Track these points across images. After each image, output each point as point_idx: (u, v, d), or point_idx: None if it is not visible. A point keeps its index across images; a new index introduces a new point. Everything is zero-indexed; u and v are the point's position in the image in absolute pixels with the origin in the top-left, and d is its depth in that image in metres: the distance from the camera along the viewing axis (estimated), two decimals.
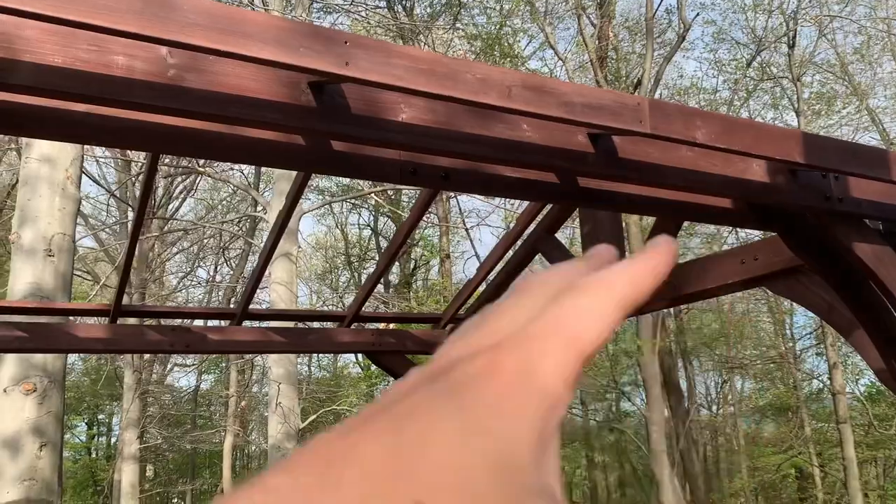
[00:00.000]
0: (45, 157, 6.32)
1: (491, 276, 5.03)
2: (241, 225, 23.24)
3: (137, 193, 22.20)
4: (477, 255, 25.54)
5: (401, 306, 20.43)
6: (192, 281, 28.37)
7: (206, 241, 26.33)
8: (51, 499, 5.80)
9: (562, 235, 4.92)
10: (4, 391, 5.81)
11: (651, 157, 2.09)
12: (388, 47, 1.54)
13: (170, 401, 28.95)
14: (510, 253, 5.03)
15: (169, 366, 29.72)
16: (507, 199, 20.16)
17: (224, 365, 29.59)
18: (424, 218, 24.28)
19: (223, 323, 4.69)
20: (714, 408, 31.13)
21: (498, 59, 17.29)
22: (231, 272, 26.42)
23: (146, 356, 26.10)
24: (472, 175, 2.14)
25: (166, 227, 22.51)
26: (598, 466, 30.33)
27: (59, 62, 1.36)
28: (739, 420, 29.35)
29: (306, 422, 11.14)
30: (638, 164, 2.08)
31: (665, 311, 18.27)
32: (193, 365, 31.44)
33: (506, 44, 18.24)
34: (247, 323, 4.73)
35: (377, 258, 29.83)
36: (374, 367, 24.47)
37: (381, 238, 29.78)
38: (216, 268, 29.10)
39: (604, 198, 2.42)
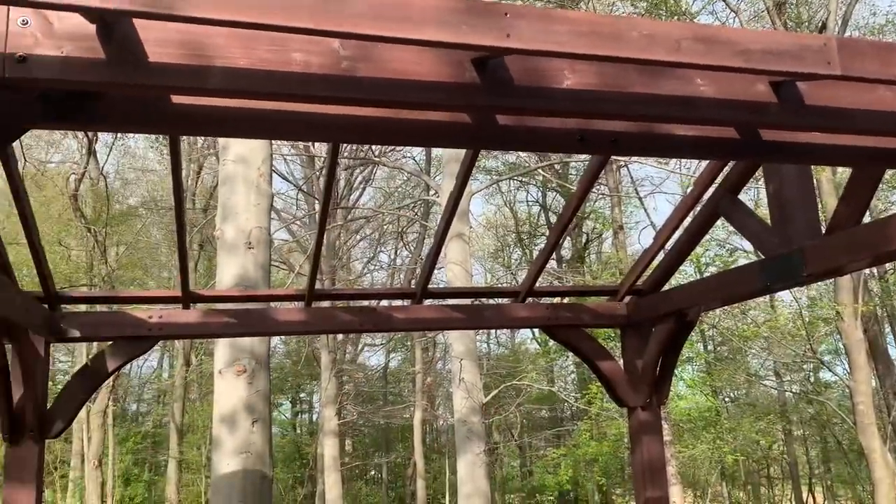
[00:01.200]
0: (240, 157, 6.89)
1: (669, 244, 4.84)
2: (416, 209, 24.03)
3: (322, 186, 23.61)
4: (652, 224, 24.66)
5: (575, 280, 20.22)
6: (375, 265, 29.89)
7: (385, 227, 27.58)
8: (265, 470, 6.36)
9: (745, 197, 4.63)
10: (220, 373, 6.45)
11: (843, 102, 1.91)
12: (549, 14, 1.53)
13: (362, 379, 30.70)
14: (689, 218, 4.82)
15: (360, 346, 31.53)
16: (684, 164, 19.24)
17: (409, 344, 30.87)
18: (594, 189, 23.83)
19: (405, 302, 4.89)
20: None
21: (665, 19, 16.47)
22: (410, 255, 27.50)
23: (339, 337, 27.77)
24: (643, 137, 2.07)
25: (349, 216, 23.76)
26: (797, 440, 28.43)
27: (244, 64, 1.48)
28: None
29: (489, 396, 11.39)
30: (828, 111, 1.91)
31: (867, 271, 16.68)
32: (382, 344, 33.11)
33: (672, 1, 17.33)
34: (427, 301, 4.90)
35: (547, 234, 29.69)
36: (551, 343, 24.46)
37: (550, 213, 29.61)
38: (396, 251, 30.41)
39: (790, 150, 2.24)
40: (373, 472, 34.12)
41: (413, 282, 25.75)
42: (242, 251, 6.67)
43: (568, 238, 26.63)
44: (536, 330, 28.90)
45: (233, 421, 6.29)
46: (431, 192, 22.38)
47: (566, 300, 8.01)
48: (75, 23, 1.39)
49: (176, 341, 27.92)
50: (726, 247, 19.82)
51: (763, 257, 4.02)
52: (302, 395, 37.71)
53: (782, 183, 3.85)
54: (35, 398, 4.03)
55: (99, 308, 8.10)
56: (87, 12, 1.32)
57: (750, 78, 1.81)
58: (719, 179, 4.37)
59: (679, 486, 17.37)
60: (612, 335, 14.55)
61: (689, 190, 4.65)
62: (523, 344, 34.00)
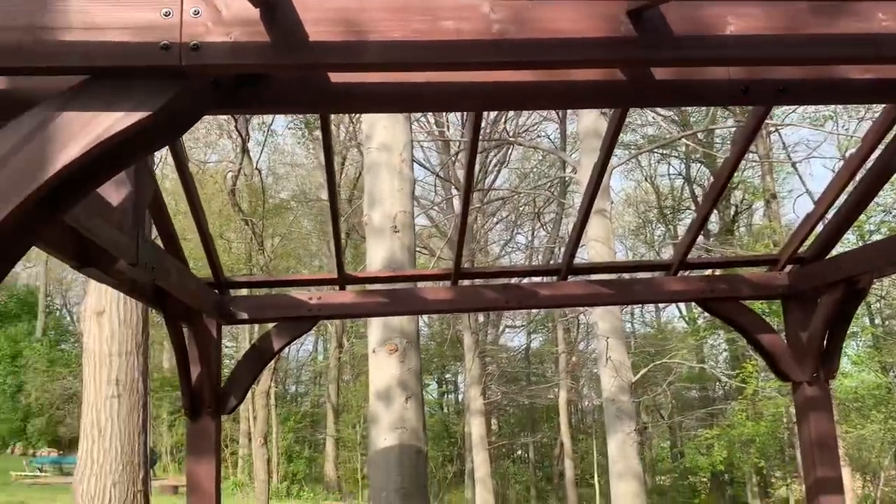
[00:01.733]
0: (383, 145, 7.08)
1: (832, 210, 4.49)
2: (552, 189, 23.83)
3: (458, 173, 23.87)
4: (808, 192, 23.07)
5: (726, 253, 19.32)
6: (511, 247, 29.96)
7: (521, 208, 27.55)
8: (419, 445, 6.55)
9: None
10: (373, 352, 6.70)
11: None
12: None
13: (505, 359, 30.94)
14: (856, 180, 4.44)
15: (501, 328, 31.78)
16: (842, 125, 17.85)
17: (549, 325, 30.77)
18: (743, 159, 22.43)
19: (550, 279, 4.84)
20: None
21: None
22: (547, 235, 27.36)
23: (480, 319, 28.02)
24: (815, 84, 1.90)
25: (486, 199, 23.91)
26: None
27: (398, 37, 1.50)
28: None
29: (638, 375, 11.11)
30: None
31: None
32: (522, 326, 33.17)
33: None
34: (572, 278, 4.83)
35: (692, 207, 28.55)
36: (700, 321, 23.49)
37: (694, 186, 28.41)
38: (533, 232, 30.33)
39: None
40: (519, 452, 34.37)
41: (552, 262, 25.60)
42: (389, 235, 6.87)
43: (714, 210, 25.47)
44: (684, 308, 27.74)
45: (388, 397, 6.51)
46: (568, 170, 22.08)
47: (717, 272, 7.64)
48: (241, 8, 1.47)
49: (329, 325, 29.26)
50: (893, 212, 18.24)
51: None
52: (447, 375, 38.57)
53: None
54: (211, 377, 4.35)
55: (262, 292, 8.64)
56: None
57: None
58: (889, 137, 4.00)
59: (848, 469, 16.26)
60: (767, 309, 13.78)
61: (847, 153, 4.28)
62: (670, 322, 32.94)
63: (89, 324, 8.26)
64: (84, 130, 1.41)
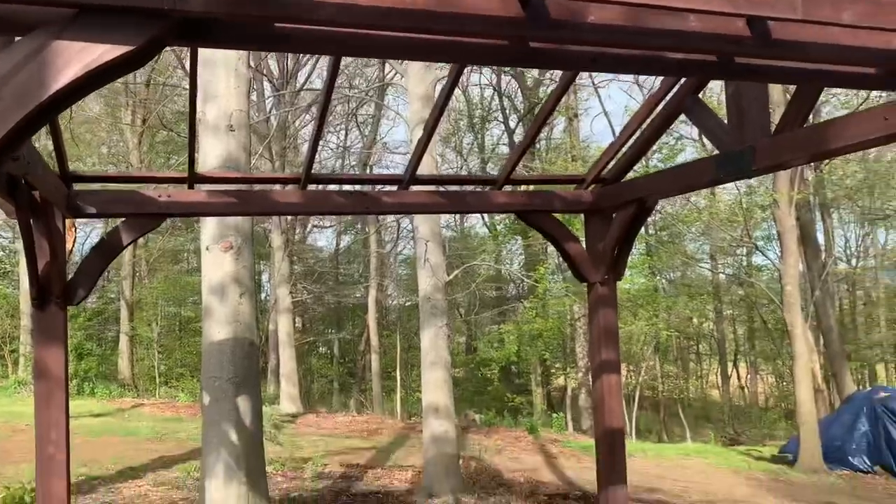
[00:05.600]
0: None
1: (632, 140, 5.32)
2: (370, 92, 23.88)
3: (270, 63, 22.93)
4: (605, 112, 25.13)
5: (532, 166, 20.72)
6: (322, 146, 29.79)
7: (334, 107, 27.34)
8: (252, 338, 6.90)
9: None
10: (207, 249, 6.84)
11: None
12: None
13: (313, 259, 31.23)
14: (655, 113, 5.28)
15: (308, 227, 31.86)
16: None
17: (359, 227, 31.34)
18: (549, 76, 23.82)
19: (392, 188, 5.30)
20: (854, 261, 30.17)
21: None
22: (360, 136, 27.52)
23: (289, 219, 27.88)
24: (641, 59, 2.48)
25: (296, 101, 23.47)
26: (726, 320, 30.53)
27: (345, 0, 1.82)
28: (880, 273, 28.41)
29: (451, 276, 12.03)
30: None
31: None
32: (331, 226, 33.44)
33: None
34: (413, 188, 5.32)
35: (501, 118, 29.98)
36: (499, 227, 25.29)
37: (504, 98, 29.71)
38: (346, 133, 30.32)
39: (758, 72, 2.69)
40: (323, 349, 35.25)
41: (370, 165, 25.97)
42: (225, 133, 6.91)
43: (520, 125, 26.98)
44: (486, 215, 29.53)
45: (222, 293, 6.74)
46: (388, 71, 22.22)
47: (532, 188, 8.51)
48: None
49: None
50: (673, 134, 20.60)
51: (717, 152, 4.56)
52: None
53: (739, 87, 4.34)
54: (58, 268, 4.39)
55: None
56: None
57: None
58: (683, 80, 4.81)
59: None
60: (563, 218, 15.24)
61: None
62: (472, 228, 34.78)
63: None
64: (76, 58, 1.63)
